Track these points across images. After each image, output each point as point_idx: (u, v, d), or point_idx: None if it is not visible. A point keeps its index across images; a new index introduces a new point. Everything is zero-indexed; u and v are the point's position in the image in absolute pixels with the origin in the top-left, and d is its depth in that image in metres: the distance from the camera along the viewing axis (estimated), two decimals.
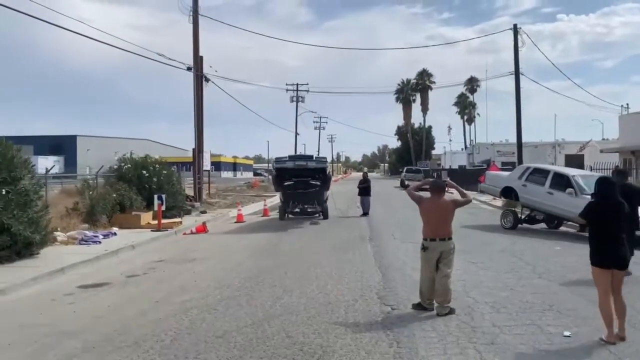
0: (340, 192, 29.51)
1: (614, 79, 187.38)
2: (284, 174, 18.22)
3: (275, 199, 26.59)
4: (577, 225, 14.92)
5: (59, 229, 12.43)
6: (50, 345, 5.53)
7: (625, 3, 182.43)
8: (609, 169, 21.76)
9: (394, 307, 6.82)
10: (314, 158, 19.03)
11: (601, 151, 31.71)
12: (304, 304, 7.04)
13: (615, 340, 5.29)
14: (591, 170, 22.07)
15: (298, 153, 36.15)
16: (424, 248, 6.66)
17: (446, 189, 7.13)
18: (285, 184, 18.20)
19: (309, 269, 9.47)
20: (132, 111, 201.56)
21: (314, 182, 18.10)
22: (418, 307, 6.68)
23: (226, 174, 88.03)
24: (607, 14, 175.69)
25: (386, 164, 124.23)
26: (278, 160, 18.60)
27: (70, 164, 56.03)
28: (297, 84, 57.97)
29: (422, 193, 7.09)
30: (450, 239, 6.66)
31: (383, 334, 5.72)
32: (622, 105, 39.89)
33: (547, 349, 5.20)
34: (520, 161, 25.65)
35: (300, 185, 18.04)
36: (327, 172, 18.76)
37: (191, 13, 23.98)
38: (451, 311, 6.44)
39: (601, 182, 5.86)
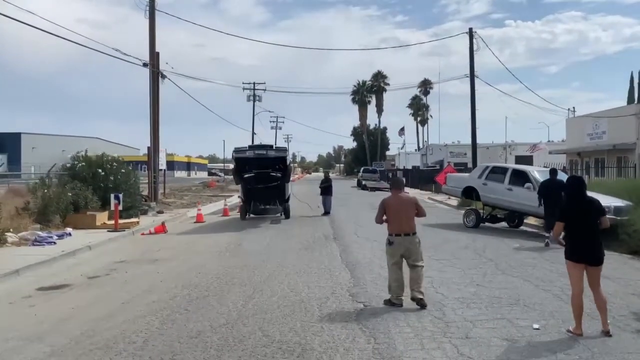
0: (300, 192, 29.48)
1: (557, 83, 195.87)
2: (243, 164, 17.89)
3: (235, 198, 26.30)
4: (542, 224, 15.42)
5: (11, 229, 11.82)
6: (15, 350, 5.24)
7: (568, 11, 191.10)
8: (559, 169, 22.77)
9: (366, 304, 6.86)
10: (274, 147, 18.61)
11: (550, 152, 33.14)
12: (277, 302, 6.98)
13: (581, 332, 5.50)
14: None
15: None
16: (390, 243, 6.92)
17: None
18: (246, 176, 17.86)
19: (277, 268, 9.40)
20: (81, 109, 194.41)
21: (274, 175, 17.85)
22: (388, 302, 6.80)
23: (180, 174, 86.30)
24: (551, 21, 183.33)
25: (342, 164, 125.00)
26: (238, 150, 18.09)
27: (14, 162, 53.43)
28: (254, 83, 57.46)
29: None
30: (414, 234, 6.92)
31: (359, 331, 5.74)
32: (568, 109, 41.74)
33: (519, 341, 5.36)
34: (474, 162, 26.38)
35: (261, 179, 17.71)
36: (288, 162, 18.58)
37: (147, 8, 23.41)
38: (424, 304, 6.58)
39: (571, 183, 6.00)
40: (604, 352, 4.99)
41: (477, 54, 27.07)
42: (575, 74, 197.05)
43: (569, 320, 5.85)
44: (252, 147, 18.44)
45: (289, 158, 19.15)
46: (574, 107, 40.72)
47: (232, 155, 18.51)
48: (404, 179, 7.86)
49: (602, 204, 6.03)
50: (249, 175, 17.79)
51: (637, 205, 11.85)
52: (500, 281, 8.22)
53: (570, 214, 5.72)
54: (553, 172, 12.83)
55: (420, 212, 7.01)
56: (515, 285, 7.88)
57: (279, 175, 17.89)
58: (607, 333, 5.48)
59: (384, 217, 7.01)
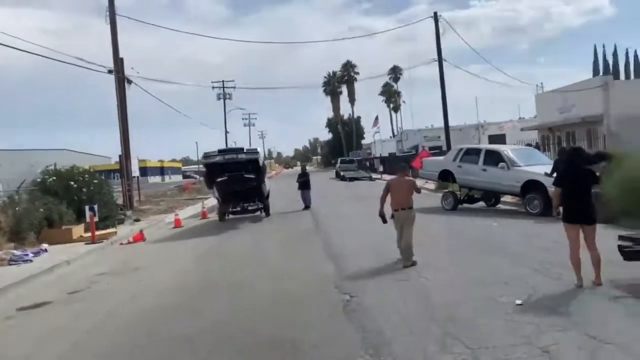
0: (279, 189, 29.41)
1: (525, 60, 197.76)
2: (214, 170, 17.29)
3: (213, 200, 26.02)
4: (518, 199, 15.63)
5: None
6: None
7: None
8: (531, 145, 23.18)
9: (352, 295, 6.88)
10: (245, 150, 17.66)
11: (522, 129, 33.68)
12: (263, 301, 6.98)
13: (582, 282, 6.28)
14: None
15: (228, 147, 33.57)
16: (392, 216, 8.52)
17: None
18: (219, 180, 17.21)
19: (261, 267, 9.38)
20: (46, 121, 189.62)
21: (248, 176, 17.30)
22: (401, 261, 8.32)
23: (154, 179, 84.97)
24: None
25: (319, 157, 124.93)
26: (206, 155, 17.44)
27: None
28: (223, 81, 56.94)
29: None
30: (410, 208, 8.50)
31: (348, 322, 5.79)
32: (537, 85, 42.34)
33: (503, 318, 5.46)
34: (448, 145, 26.65)
35: (235, 182, 17.17)
36: (261, 163, 17.94)
37: (107, 13, 22.97)
38: (414, 263, 8.13)
39: (573, 152, 6.88)
40: (585, 322, 5.12)
41: (444, 36, 27.27)
42: (541, 50, 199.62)
43: (550, 293, 6.06)
44: (222, 152, 17.67)
45: (261, 159, 18.55)
46: (542, 83, 41.40)
47: (201, 162, 17.89)
48: (406, 165, 10.17)
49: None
50: (222, 179, 17.22)
51: (607, 176, 12.11)
52: (481, 261, 8.36)
53: (568, 179, 6.50)
54: (562, 150, 13.65)
55: (417, 191, 8.73)
56: (496, 264, 8.02)
57: (252, 176, 17.33)
58: (598, 284, 6.22)
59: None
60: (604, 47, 43.93)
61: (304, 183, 20.09)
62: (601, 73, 38.75)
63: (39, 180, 17.42)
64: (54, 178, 16.93)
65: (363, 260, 9.04)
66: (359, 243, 10.82)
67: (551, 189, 10.64)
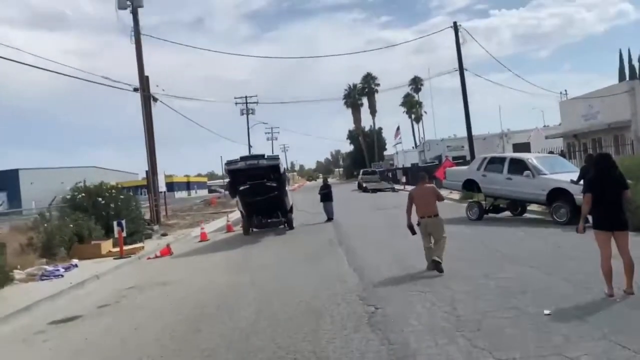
0: (302, 201, 29.53)
1: (549, 68, 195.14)
2: (237, 176, 17.75)
3: (237, 214, 26.27)
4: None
5: (18, 266, 11.84)
6: None
7: None
8: (553, 152, 22.81)
9: (377, 307, 6.86)
10: (266, 156, 18.08)
11: (546, 137, 33.19)
12: (288, 314, 7.00)
13: (613, 293, 6.11)
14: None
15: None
16: (418, 224, 8.69)
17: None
18: (241, 188, 17.73)
19: (286, 280, 9.42)
20: (75, 139, 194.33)
21: (270, 185, 17.70)
22: (430, 267, 8.39)
23: (180, 194, 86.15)
24: (536, 6, 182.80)
25: (341, 169, 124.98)
26: (230, 162, 17.79)
27: (14, 199, 53.42)
28: (246, 97, 57.69)
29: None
30: (437, 215, 8.64)
31: (372, 334, 5.76)
32: (560, 92, 41.75)
33: (531, 328, 5.38)
34: (472, 154, 26.41)
35: (258, 191, 17.53)
36: (282, 170, 18.33)
37: (132, 33, 23.55)
38: (440, 270, 8.21)
39: (601, 158, 6.76)
40: (616, 332, 5.00)
41: (464, 46, 27.21)
42: (565, 56, 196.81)
43: (580, 302, 5.92)
44: (244, 158, 18.01)
45: (283, 166, 18.88)
46: (565, 90, 40.71)
47: (225, 169, 18.47)
48: (425, 174, 10.13)
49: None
50: (244, 187, 17.66)
51: (637, 182, 11.87)
52: (507, 270, 8.24)
53: (598, 185, 6.39)
54: (589, 157, 13.16)
55: (439, 198, 8.85)
56: (523, 273, 7.90)
57: (274, 185, 17.73)
58: (630, 293, 6.07)
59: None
60: (629, 52, 43.05)
61: (325, 195, 20.14)
62: (627, 78, 37.93)
63: (68, 197, 17.87)
64: (83, 195, 17.35)
65: (387, 271, 9.01)
66: (383, 254, 10.79)
67: (578, 196, 10.50)
